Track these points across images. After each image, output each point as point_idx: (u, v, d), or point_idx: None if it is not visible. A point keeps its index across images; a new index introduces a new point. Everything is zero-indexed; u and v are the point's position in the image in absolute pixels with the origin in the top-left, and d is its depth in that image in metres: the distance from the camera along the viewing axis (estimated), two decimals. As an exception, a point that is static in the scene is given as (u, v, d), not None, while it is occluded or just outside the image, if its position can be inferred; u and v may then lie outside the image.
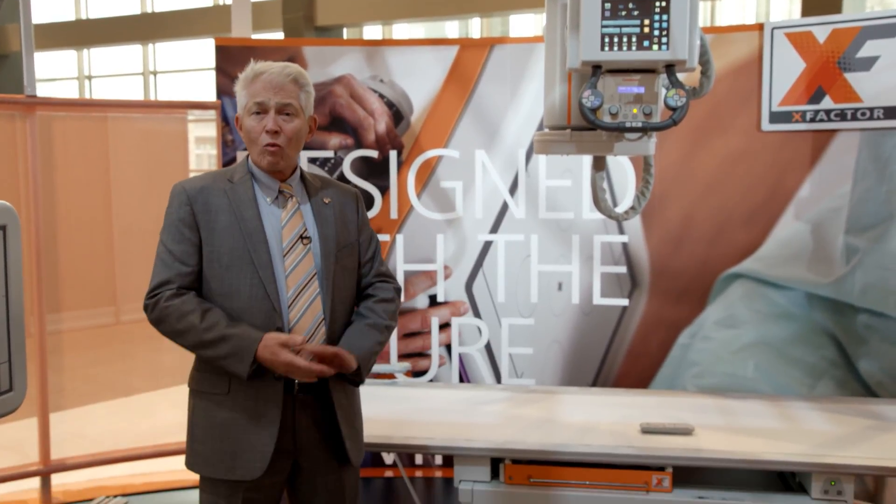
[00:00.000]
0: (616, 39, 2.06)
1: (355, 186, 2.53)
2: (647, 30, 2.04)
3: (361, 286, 2.21)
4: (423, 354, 3.84)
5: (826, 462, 2.43)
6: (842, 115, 3.34)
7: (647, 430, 2.66)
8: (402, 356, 3.84)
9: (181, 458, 2.16)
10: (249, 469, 2.01)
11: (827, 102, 3.36)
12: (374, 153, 3.76)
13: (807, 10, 9.49)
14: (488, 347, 3.80)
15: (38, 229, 3.71)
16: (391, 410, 2.97)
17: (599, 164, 2.54)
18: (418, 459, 3.99)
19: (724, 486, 2.55)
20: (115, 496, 3.84)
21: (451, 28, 13.78)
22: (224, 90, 3.77)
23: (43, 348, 3.75)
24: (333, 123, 3.75)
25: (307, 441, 2.08)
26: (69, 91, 16.65)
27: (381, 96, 3.75)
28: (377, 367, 3.21)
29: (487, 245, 3.76)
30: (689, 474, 2.56)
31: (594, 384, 3.71)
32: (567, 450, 2.54)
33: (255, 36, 4.21)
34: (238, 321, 1.99)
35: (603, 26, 2.06)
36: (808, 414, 2.91)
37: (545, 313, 3.73)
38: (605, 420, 2.83)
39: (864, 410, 2.97)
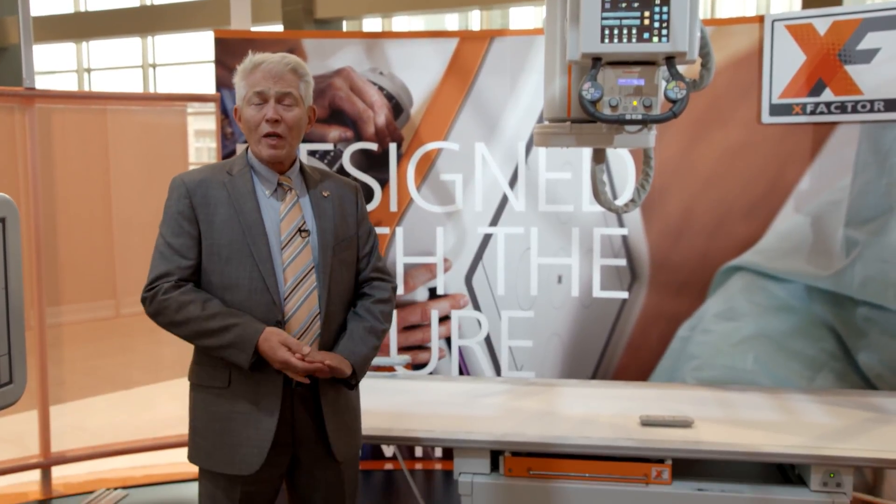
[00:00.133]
0: (616, 31, 2.05)
1: (355, 179, 2.53)
2: (647, 22, 2.04)
3: (359, 280, 2.21)
4: (422, 347, 3.84)
5: (825, 454, 2.43)
6: (842, 108, 3.34)
7: (647, 423, 2.66)
8: (402, 349, 3.84)
9: (181, 451, 2.16)
10: (248, 463, 2.01)
11: (827, 95, 3.35)
12: (373, 146, 3.75)
13: (807, 2, 9.46)
14: (488, 340, 3.80)
15: (38, 222, 3.71)
16: (391, 403, 2.98)
17: (599, 157, 2.54)
18: (418, 452, 4.00)
19: (724, 478, 2.55)
20: (115, 489, 3.84)
21: (450, 20, 13.75)
22: (223, 83, 3.76)
23: (43, 341, 3.75)
24: (333, 116, 3.74)
25: (305, 435, 2.08)
26: (68, 84, 16.62)
27: (381, 89, 3.75)
28: (377, 360, 3.21)
29: (487, 238, 3.75)
30: (688, 466, 2.56)
31: (594, 377, 3.71)
32: (567, 442, 2.54)
33: (254, 28, 4.21)
34: (239, 311, 1.99)
35: (603, 18, 2.05)
36: (807, 406, 2.91)
37: (545, 306, 3.74)
38: (604, 412, 2.83)
39: (863, 403, 2.97)
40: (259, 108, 2.03)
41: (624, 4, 2.04)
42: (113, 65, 16.63)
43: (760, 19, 3.44)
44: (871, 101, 3.29)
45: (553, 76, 2.38)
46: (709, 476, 2.56)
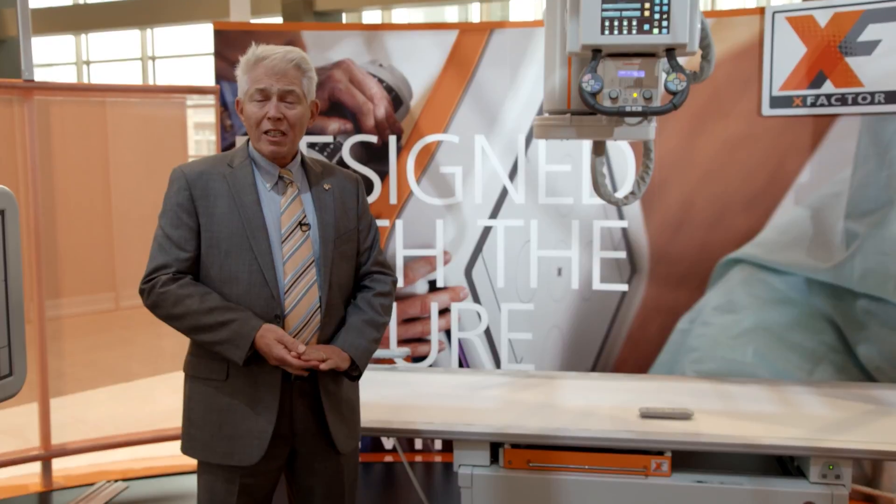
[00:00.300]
0: (616, 23, 2.04)
1: (354, 172, 2.52)
2: (647, 13, 2.03)
3: (359, 274, 2.20)
4: (422, 340, 3.84)
5: (824, 446, 2.43)
6: (842, 100, 3.33)
7: (647, 415, 2.67)
8: (402, 341, 3.84)
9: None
10: (247, 455, 2.00)
11: (828, 87, 3.35)
12: (373, 138, 3.75)
13: (808, -7, 9.44)
14: (488, 333, 3.80)
15: (37, 214, 3.70)
16: (391, 395, 2.98)
17: (599, 149, 2.54)
18: (418, 444, 4.01)
19: (723, 470, 2.55)
20: (116, 481, 3.85)
21: (450, 12, 13.71)
22: (223, 75, 3.76)
23: (43, 334, 3.75)
24: (332, 108, 3.74)
25: (304, 427, 2.07)
26: (67, 76, 16.58)
27: (381, 81, 3.74)
28: (377, 353, 3.21)
29: (487, 230, 3.75)
30: (687, 459, 2.56)
31: (593, 369, 3.72)
32: (566, 434, 2.55)
33: (253, 20, 4.20)
34: (237, 306, 1.99)
35: (603, 10, 2.04)
36: (806, 399, 2.91)
37: (545, 299, 3.74)
38: (604, 405, 2.84)
39: (862, 395, 2.97)
40: (261, 105, 2.01)
41: (624, -4, 2.04)
42: (112, 57, 16.58)
43: (761, 11, 3.43)
44: (872, 94, 3.29)
45: (553, 68, 2.38)
46: (708, 468, 2.56)
